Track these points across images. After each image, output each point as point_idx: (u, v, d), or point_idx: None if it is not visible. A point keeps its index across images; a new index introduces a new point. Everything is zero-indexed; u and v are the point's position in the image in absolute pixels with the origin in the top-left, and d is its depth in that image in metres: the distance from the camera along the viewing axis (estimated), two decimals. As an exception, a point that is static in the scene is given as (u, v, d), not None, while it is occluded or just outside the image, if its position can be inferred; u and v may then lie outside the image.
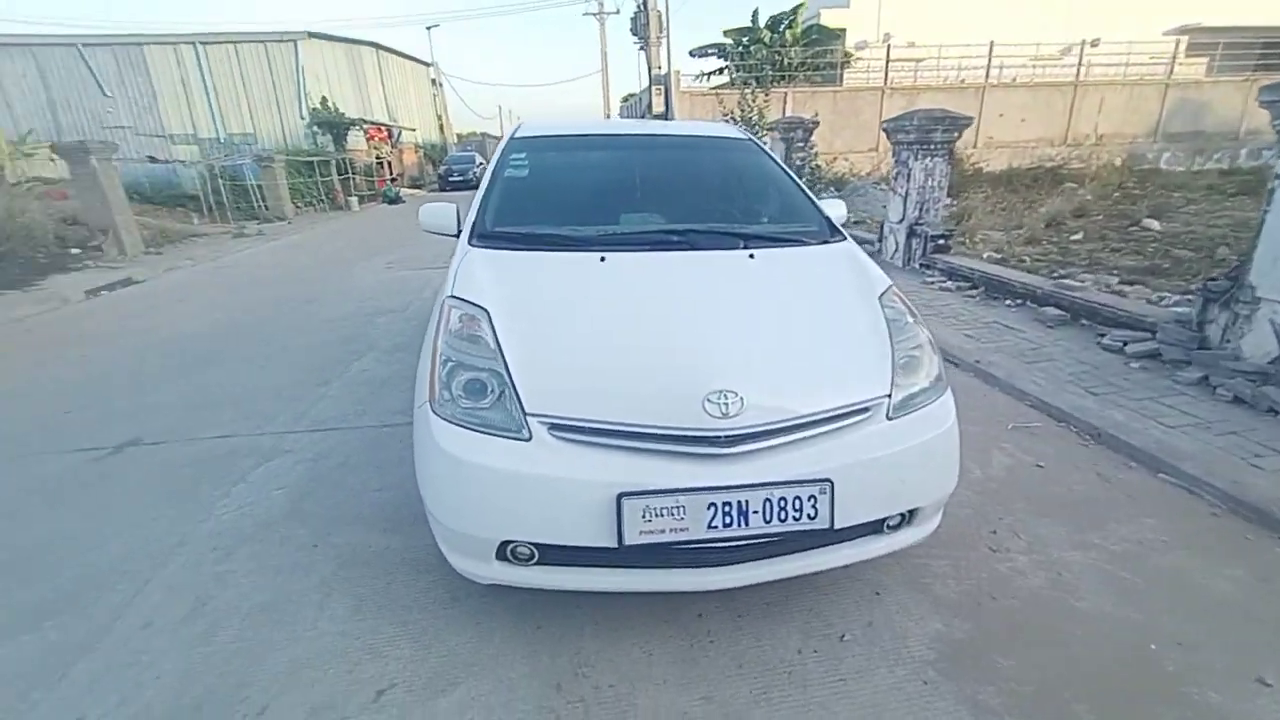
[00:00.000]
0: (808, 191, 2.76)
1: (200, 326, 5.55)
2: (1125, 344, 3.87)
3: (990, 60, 19.40)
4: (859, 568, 2.09)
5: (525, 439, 1.58)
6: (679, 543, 1.53)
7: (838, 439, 1.63)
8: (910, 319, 1.97)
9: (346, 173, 17.53)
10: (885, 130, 6.63)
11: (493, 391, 1.67)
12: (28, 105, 16.27)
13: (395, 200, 18.03)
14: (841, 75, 20.12)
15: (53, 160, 11.70)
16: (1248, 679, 1.66)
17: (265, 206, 14.30)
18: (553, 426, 1.59)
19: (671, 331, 1.77)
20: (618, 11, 24.89)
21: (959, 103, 18.96)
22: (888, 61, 18.88)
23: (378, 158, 20.30)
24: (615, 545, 1.51)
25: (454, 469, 1.60)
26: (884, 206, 7.82)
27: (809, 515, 1.55)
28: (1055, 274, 5.64)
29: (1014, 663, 1.73)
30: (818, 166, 13.72)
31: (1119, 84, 20.16)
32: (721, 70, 20.02)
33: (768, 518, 1.54)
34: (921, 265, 6.36)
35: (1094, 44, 20.52)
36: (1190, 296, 4.09)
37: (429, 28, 31.31)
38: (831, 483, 1.56)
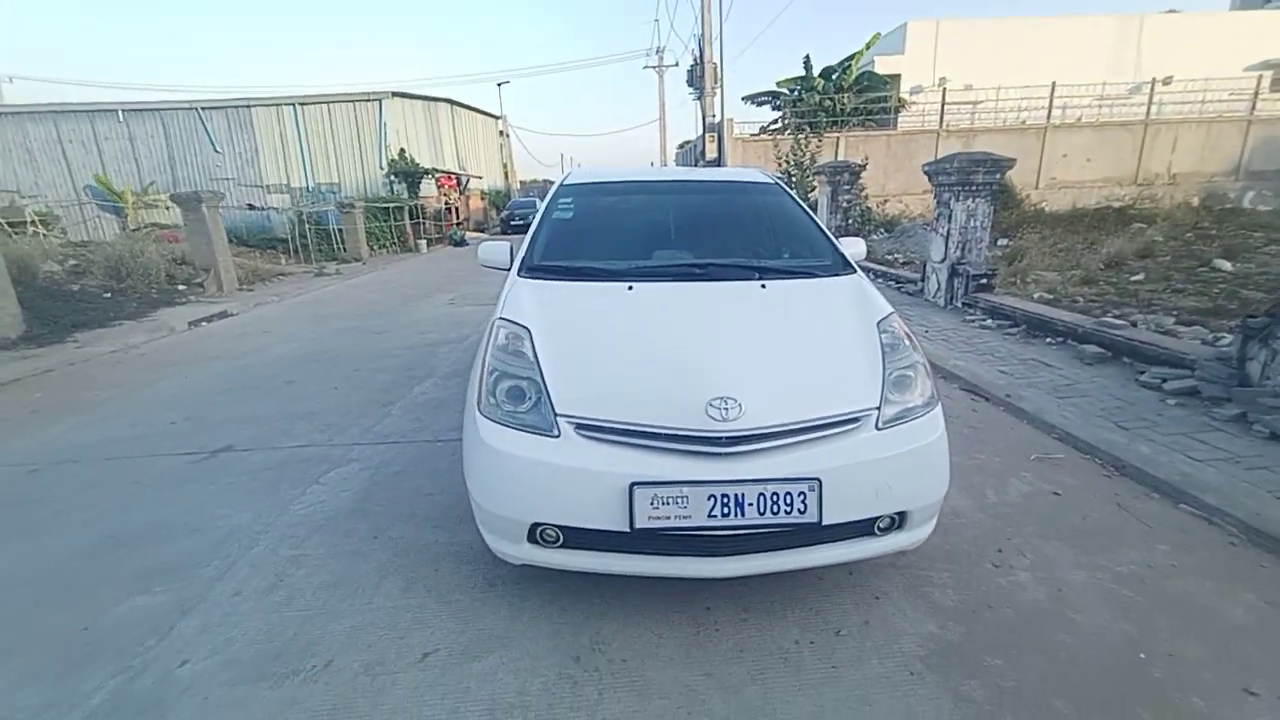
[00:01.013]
0: (825, 230, 3.00)
1: (281, 354, 6.18)
2: (1164, 381, 3.84)
3: (1051, 101, 19.20)
4: (861, 574, 2.25)
5: (555, 436, 1.86)
6: (683, 529, 1.75)
7: (828, 444, 1.83)
8: (906, 343, 2.16)
9: (418, 218, 18.88)
10: (927, 173, 6.78)
11: (530, 397, 1.97)
12: (153, 161, 18.49)
13: (460, 243, 19.23)
14: (896, 120, 20.34)
15: (168, 209, 13.26)
16: (1235, 689, 1.71)
17: (344, 248, 15.57)
18: (579, 426, 1.87)
19: (683, 348, 2.04)
20: (676, 64, 26.19)
21: (1019, 144, 18.83)
22: (943, 104, 18.99)
23: (446, 204, 21.78)
24: (628, 529, 1.75)
25: (493, 459, 1.90)
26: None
27: (799, 510, 1.75)
28: (1108, 313, 5.58)
29: (1001, 662, 1.83)
30: (868, 209, 13.87)
31: (1194, 121, 19.47)
32: (776, 120, 20.58)
33: (761, 510, 1.75)
34: (964, 304, 6.39)
35: (1166, 81, 19.99)
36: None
37: (499, 84, 33.72)
38: (820, 481, 1.76)
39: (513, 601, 2.16)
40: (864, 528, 1.90)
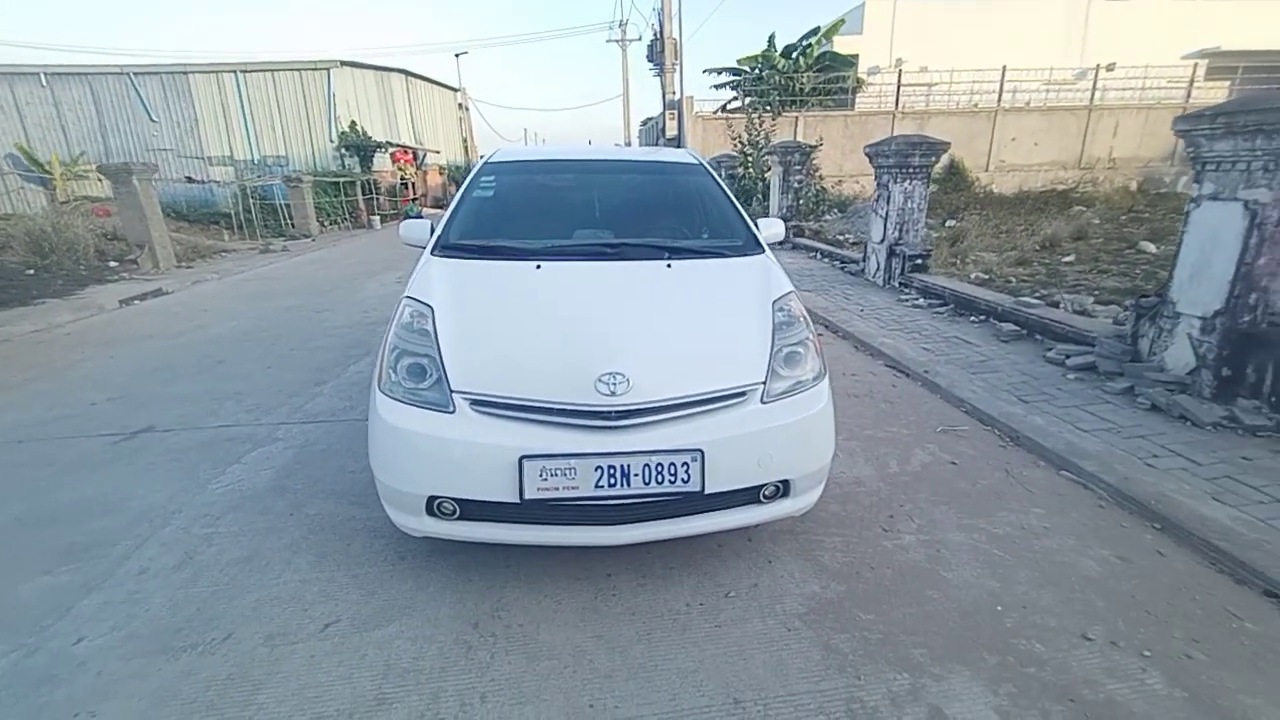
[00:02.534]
0: (741, 212, 3.08)
1: (217, 333, 6.02)
2: (1067, 357, 4.08)
3: (1003, 85, 19.64)
4: (759, 540, 2.37)
5: (450, 412, 1.91)
6: (570, 499, 1.83)
7: (712, 417, 1.93)
8: (800, 321, 2.26)
9: (371, 193, 18.34)
10: (868, 155, 6.93)
11: (430, 374, 2.00)
12: (81, 130, 17.43)
13: (416, 219, 18.77)
14: (854, 100, 20.53)
15: (100, 180, 12.59)
16: (1074, 635, 1.89)
17: (292, 224, 15.06)
18: (474, 402, 1.92)
19: (579, 326, 2.10)
20: (639, 38, 25.75)
21: (970, 127, 19.27)
22: (899, 86, 19.23)
23: (402, 179, 21.19)
24: (518, 500, 1.82)
25: (391, 435, 1.94)
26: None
27: (682, 480, 1.85)
28: (1037, 293, 5.83)
29: (872, 617, 1.98)
30: (823, 189, 14.05)
31: (1134, 108, 20.17)
32: (735, 97, 20.53)
33: (646, 480, 1.83)
34: (900, 284, 6.60)
35: (1109, 68, 20.63)
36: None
37: (457, 55, 32.59)
38: (702, 452, 1.85)
39: (420, 573, 2.22)
40: (750, 496, 2.01)
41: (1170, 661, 1.79)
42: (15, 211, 14.05)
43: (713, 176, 3.35)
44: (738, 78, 20.17)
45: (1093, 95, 19.99)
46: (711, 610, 2.02)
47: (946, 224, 11.12)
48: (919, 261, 6.53)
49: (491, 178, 3.21)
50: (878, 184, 6.90)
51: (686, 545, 2.31)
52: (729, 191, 3.24)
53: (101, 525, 2.59)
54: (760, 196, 12.88)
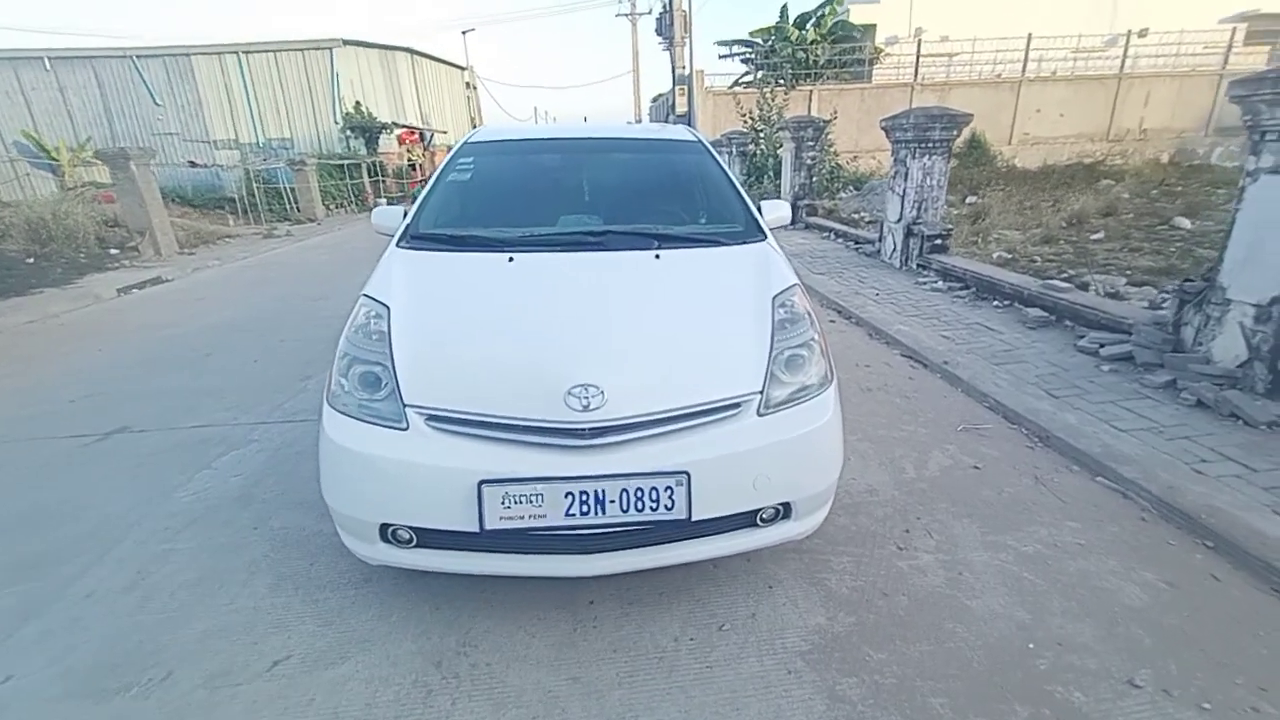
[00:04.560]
0: (741, 193, 2.80)
1: (211, 323, 5.86)
2: (1101, 346, 3.76)
3: (1027, 53, 18.80)
4: (759, 560, 2.14)
5: (403, 429, 1.69)
6: (539, 529, 1.61)
7: (700, 433, 1.68)
8: (805, 319, 2.00)
9: (377, 175, 18.09)
10: (884, 129, 6.54)
11: (384, 385, 1.78)
12: (87, 114, 17.31)
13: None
14: (870, 72, 19.80)
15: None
16: (1119, 680, 1.64)
17: (297, 208, 14.89)
18: (429, 417, 1.69)
19: (548, 329, 1.85)
20: (650, 11, 24.95)
21: (993, 98, 18.50)
22: (918, 57, 18.50)
23: (410, 160, 20.89)
24: (477, 530, 1.60)
25: (336, 455, 1.72)
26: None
27: (665, 506, 1.61)
28: (1064, 274, 5.47)
29: (884, 656, 1.75)
30: (838, 166, 13.57)
31: (1167, 76, 19.23)
32: (747, 72, 19.90)
33: (624, 507, 1.60)
34: (919, 266, 6.26)
35: (1141, 34, 19.64)
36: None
37: (464, 32, 32.06)
38: (689, 475, 1.61)
39: (385, 599, 2.02)
40: (746, 519, 1.77)
41: (1235, 715, 1.54)
42: (25, 198, 14.00)
43: (712, 155, 3.06)
44: (749, 51, 19.52)
45: (1123, 63, 19.09)
46: (703, 647, 1.80)
47: (967, 201, 10.65)
48: (938, 242, 6.18)
49: (470, 159, 2.95)
50: (895, 160, 6.52)
51: (678, 567, 2.08)
52: (729, 171, 2.95)
53: (55, 539, 2.42)
54: (772, 174, 12.46)
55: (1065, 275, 5.43)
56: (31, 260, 8.32)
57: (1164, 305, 4.00)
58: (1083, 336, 4.02)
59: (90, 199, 11.42)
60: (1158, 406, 3.08)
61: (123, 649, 1.86)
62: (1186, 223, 7.96)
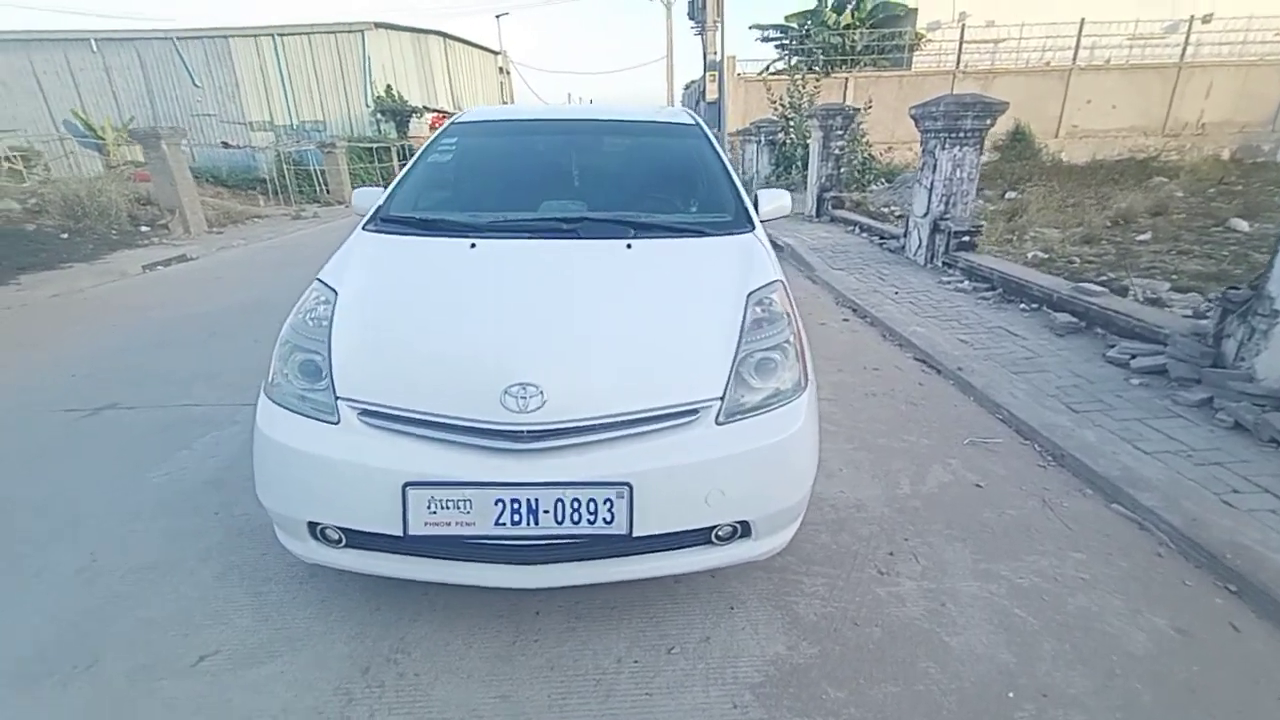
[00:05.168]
0: (735, 180, 2.62)
1: (225, 303, 5.91)
2: (1133, 357, 3.47)
3: (1079, 40, 17.84)
4: (723, 578, 2.00)
5: (334, 423, 1.58)
6: (465, 538, 1.49)
7: (648, 441, 1.54)
8: (782, 319, 1.83)
9: (407, 159, 18.21)
10: (913, 117, 6.22)
11: (325, 374, 1.68)
12: (131, 95, 17.81)
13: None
14: (910, 59, 19.06)
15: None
16: (1107, 743, 1.45)
17: (327, 190, 15.08)
18: (362, 412, 1.58)
19: (495, 321, 1.73)
20: (685, -4, 24.45)
21: (1040, 87, 17.66)
22: (961, 43, 17.73)
23: (440, 144, 20.99)
24: (400, 534, 1.49)
25: (265, 448, 1.64)
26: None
27: (604, 520, 1.48)
28: (1102, 277, 5.12)
29: (844, 695, 1.58)
30: (870, 157, 13.10)
31: (1232, 65, 18.04)
32: (780, 58, 19.38)
33: (559, 518, 1.47)
34: (944, 264, 5.95)
35: (1205, 20, 18.46)
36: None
37: (498, 16, 31.98)
38: (631, 487, 1.47)
39: (327, 596, 1.94)
40: (699, 536, 1.62)
41: (1240, 793, 1.34)
42: (74, 176, 14.47)
43: (709, 140, 2.88)
44: (784, 36, 18.98)
45: (1184, 51, 17.97)
46: (647, 671, 1.66)
47: (1006, 196, 10.16)
48: (966, 239, 5.85)
49: (453, 140, 2.83)
50: (923, 150, 6.19)
51: (634, 580, 1.95)
52: (724, 157, 2.77)
53: (19, 516, 2.41)
54: (800, 165, 12.10)
55: (1103, 278, 5.08)
56: (66, 236, 8.56)
57: (1206, 315, 3.67)
58: (1113, 346, 3.73)
59: (127, 177, 11.74)
60: (1190, 427, 2.81)
61: (56, 633, 1.81)
62: (1244, 225, 7.42)
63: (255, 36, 17.13)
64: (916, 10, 19.33)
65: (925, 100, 5.99)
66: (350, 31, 17.50)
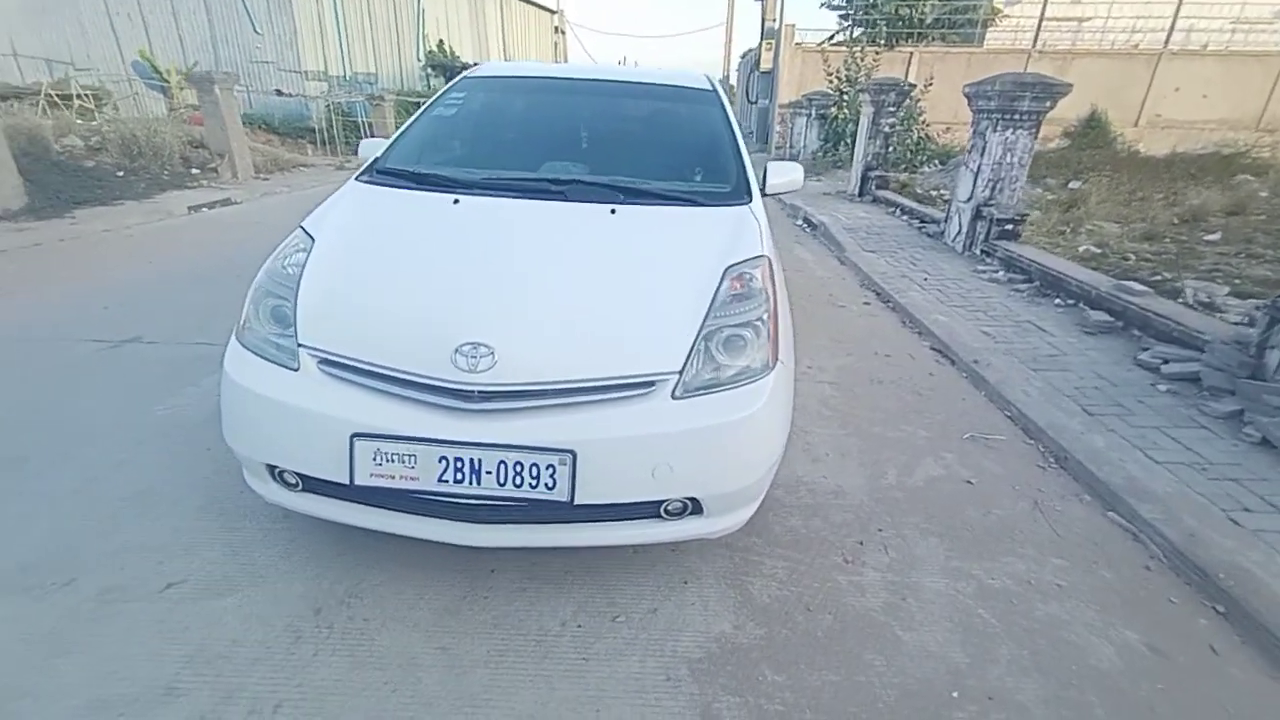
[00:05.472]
0: (742, 151, 2.51)
1: (260, 247, 6.01)
2: (1165, 362, 3.26)
3: (1174, 22, 16.45)
4: (683, 551, 1.98)
5: (294, 369, 1.61)
6: (409, 491, 1.50)
7: (598, 410, 1.51)
8: (758, 296, 1.76)
9: (453, 116, 18.25)
10: (966, 95, 5.86)
11: (291, 322, 1.70)
12: (195, 39, 18.21)
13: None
14: (983, 35, 17.94)
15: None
16: (1045, 757, 1.40)
17: (373, 143, 15.25)
18: (321, 360, 1.60)
19: (457, 279, 1.72)
20: (748, -42, 23.49)
21: (1124, 72, 16.44)
22: (1041, 20, 16.56)
23: (488, 103, 20.95)
24: (347, 483, 1.51)
25: (229, 391, 1.68)
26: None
27: (546, 485, 1.47)
28: (1155, 276, 4.79)
29: (781, 679, 1.56)
30: (925, 137, 12.50)
31: (1347, 56, 16.38)
32: (843, 28, 18.50)
33: (501, 480, 1.47)
34: (982, 252, 5.67)
35: (1322, 4, 16.77)
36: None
37: (556, -26, 31.39)
38: (574, 454, 1.46)
39: (297, 536, 2.01)
40: (648, 509, 1.60)
41: (1179, 823, 1.27)
42: (141, 115, 15.00)
43: (723, 107, 2.76)
44: (848, 4, 18.09)
45: (1292, 37, 16.40)
46: (588, 637, 1.67)
47: (1069, 186, 9.57)
48: (1009, 227, 5.55)
49: (461, 95, 2.79)
50: (973, 131, 5.85)
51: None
52: (734, 125, 2.66)
53: (33, 437, 2.55)
54: (848, 141, 11.62)
55: (1155, 278, 4.75)
56: (121, 174, 8.91)
57: (1251, 322, 3.41)
58: (1147, 349, 3.50)
59: (184, 120, 12.10)
60: (1211, 440, 2.63)
61: (47, 549, 1.92)
62: (1332, 231, 6.82)
63: (313, -15, 17.25)
64: (993, -19, 18.10)
65: (980, 79, 5.62)
66: (404, -16, 17.47)
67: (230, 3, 17.81)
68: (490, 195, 2.13)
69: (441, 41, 18.54)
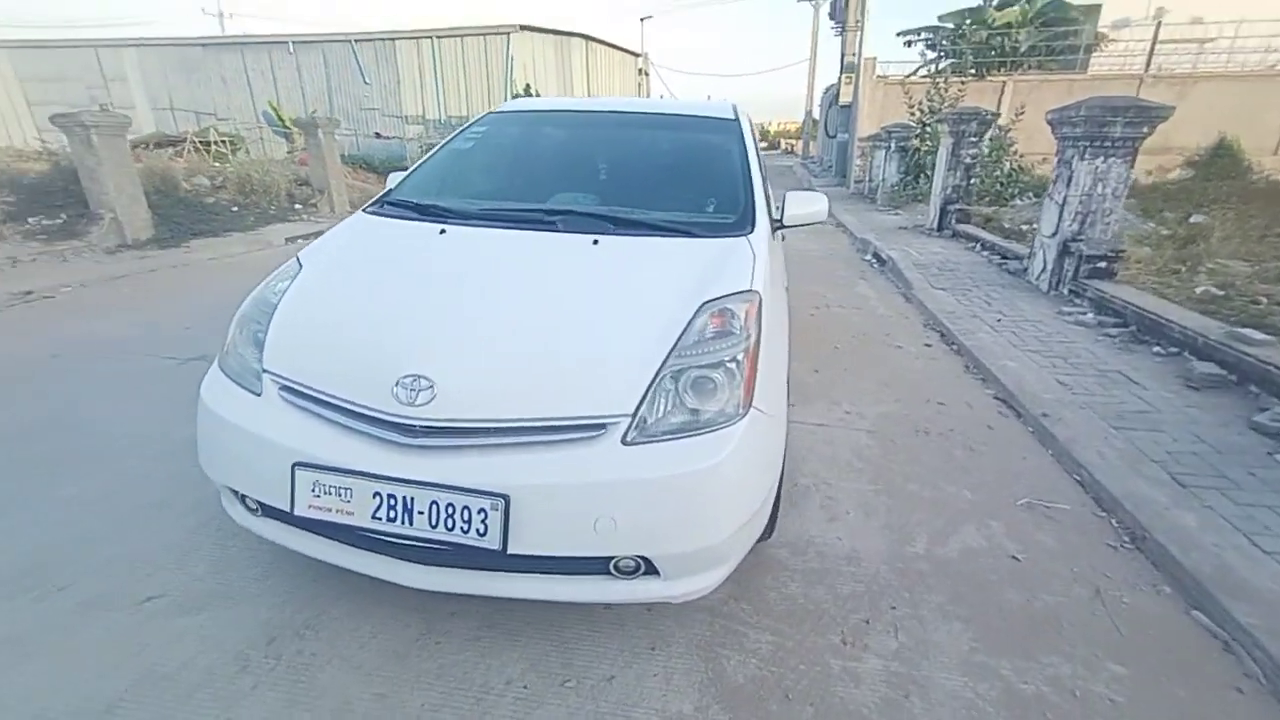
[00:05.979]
0: (754, 181, 2.37)
1: (334, 275, 6.50)
2: (1285, 426, 2.73)
3: (1321, 40, 14.70)
4: (658, 614, 1.80)
5: (257, 394, 1.61)
6: (344, 525, 1.44)
7: (537, 454, 1.40)
8: (735, 335, 1.60)
9: (537, 154, 19.13)
10: (1049, 122, 5.40)
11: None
12: (314, 90, 20.33)
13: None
14: (1086, 60, 16.78)
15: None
16: None
17: (461, 181, 16.21)
18: (282, 387, 1.60)
19: (409, 308, 1.68)
20: (833, -4, 23.43)
21: (1256, 95, 14.84)
22: (1154, 42, 15.30)
23: (572, 142, 21.83)
24: (289, 510, 1.47)
25: (201, 414, 1.71)
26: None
27: (477, 530, 1.36)
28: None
29: (737, 782, 1.34)
30: (1018, 169, 11.70)
31: None
32: (930, 60, 17.90)
33: (433, 522, 1.38)
34: (1070, 291, 5.11)
35: None
36: None
37: (642, 19, 32.72)
38: (507, 500, 1.34)
39: (280, 560, 1.99)
40: (595, 565, 1.45)
41: None
42: (268, 158, 16.76)
43: (741, 136, 2.64)
44: (934, 35, 17.52)
45: None
46: (531, 700, 1.52)
47: (1190, 219, 8.59)
48: (1101, 264, 4.98)
49: (482, 129, 2.83)
50: (1059, 160, 5.36)
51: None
52: (750, 155, 2.52)
53: (78, 444, 2.74)
54: (928, 174, 11.06)
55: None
56: (235, 209, 9.90)
57: None
58: (1266, 409, 2.96)
59: (295, 161, 13.38)
60: (1341, 525, 2.13)
61: (55, 554, 2.02)
62: None
63: (417, 39, 18.86)
64: (1100, 6, 16.98)
65: (1065, 105, 5.16)
66: (497, 33, 18.70)
67: (344, 58, 19.79)
68: (479, 226, 2.11)
69: (529, 85, 19.58)
